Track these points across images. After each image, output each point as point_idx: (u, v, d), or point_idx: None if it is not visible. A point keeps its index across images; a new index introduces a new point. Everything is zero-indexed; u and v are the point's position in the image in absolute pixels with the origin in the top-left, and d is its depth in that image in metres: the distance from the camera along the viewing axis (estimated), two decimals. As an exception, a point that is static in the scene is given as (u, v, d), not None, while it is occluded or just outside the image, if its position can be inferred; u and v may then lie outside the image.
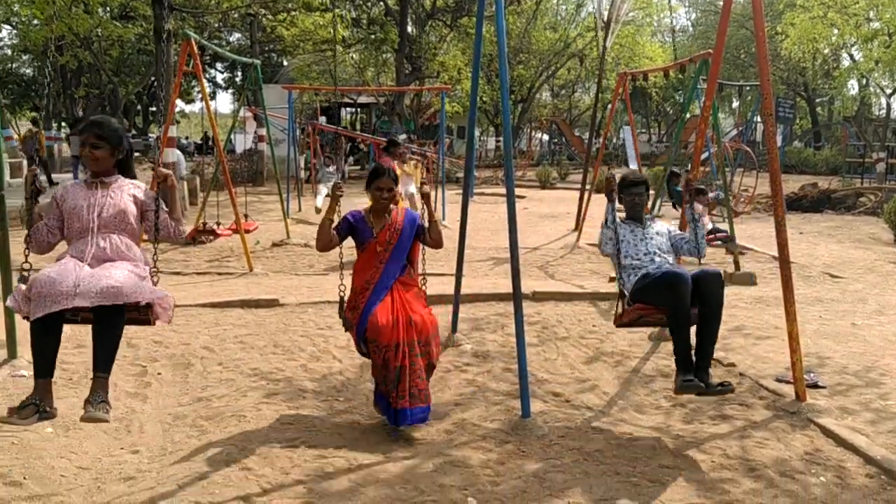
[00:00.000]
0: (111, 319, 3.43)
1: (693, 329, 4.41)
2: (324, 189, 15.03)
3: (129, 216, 3.73)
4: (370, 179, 4.64)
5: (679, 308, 4.31)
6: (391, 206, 4.65)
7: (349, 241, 4.69)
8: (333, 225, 4.57)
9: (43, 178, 23.64)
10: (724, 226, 11.00)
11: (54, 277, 3.31)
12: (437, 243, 4.69)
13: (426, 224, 4.67)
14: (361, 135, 26.35)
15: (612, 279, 9.19)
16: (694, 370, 4.32)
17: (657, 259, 4.74)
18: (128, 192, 3.79)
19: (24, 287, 3.39)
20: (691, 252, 4.83)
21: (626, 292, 4.70)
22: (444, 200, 15.86)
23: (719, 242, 10.61)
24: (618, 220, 4.84)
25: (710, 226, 10.96)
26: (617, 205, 4.85)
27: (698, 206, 9.93)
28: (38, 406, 3.37)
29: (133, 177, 3.91)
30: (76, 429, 4.42)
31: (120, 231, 3.69)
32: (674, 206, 12.38)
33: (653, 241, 4.85)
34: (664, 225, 5.10)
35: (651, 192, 9.28)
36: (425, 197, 4.70)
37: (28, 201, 3.64)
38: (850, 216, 16.54)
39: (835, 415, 4.76)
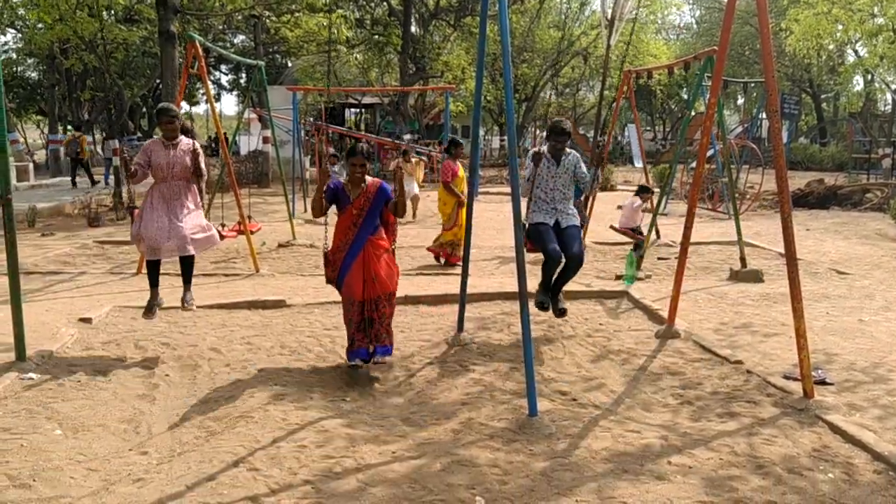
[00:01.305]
0: (188, 260, 6.21)
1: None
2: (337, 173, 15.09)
3: (187, 167, 6.04)
4: (347, 156, 5.73)
5: (548, 271, 6.22)
6: (365, 177, 5.62)
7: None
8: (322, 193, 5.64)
9: (47, 181, 23.78)
10: (729, 223, 10.97)
11: (156, 237, 5.83)
12: (400, 212, 5.71)
13: (394, 197, 5.66)
14: (366, 135, 26.38)
15: (617, 277, 9.18)
16: (549, 296, 6.32)
17: (557, 195, 6.29)
18: (185, 150, 6.07)
19: (135, 229, 5.96)
20: (583, 189, 7.01)
21: (526, 223, 6.22)
22: (449, 200, 15.87)
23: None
24: (543, 151, 6.32)
25: (638, 222, 10.58)
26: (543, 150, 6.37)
27: (637, 200, 10.56)
28: (157, 304, 6.22)
29: (185, 132, 6.27)
30: (84, 430, 4.45)
31: (184, 178, 6.07)
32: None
33: (560, 179, 6.30)
34: (574, 160, 6.36)
35: (656, 190, 9.36)
36: (396, 172, 5.78)
37: (127, 179, 6.28)
38: (857, 212, 16.49)
39: (843, 411, 4.75)
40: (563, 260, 6.10)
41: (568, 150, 6.36)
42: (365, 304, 5.49)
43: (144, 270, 6.60)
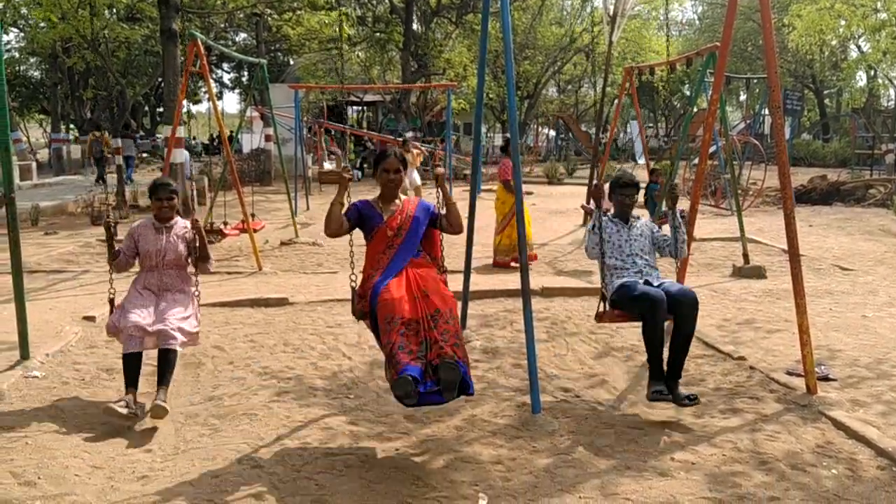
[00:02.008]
0: (168, 355, 4.78)
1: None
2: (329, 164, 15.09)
3: (182, 255, 5.08)
4: (376, 162, 4.46)
5: (652, 330, 4.63)
6: (400, 194, 4.48)
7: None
8: (343, 210, 4.37)
9: (51, 180, 23.82)
10: (732, 219, 10.96)
11: (139, 325, 4.70)
12: (457, 227, 4.40)
13: (442, 210, 4.42)
14: (368, 133, 26.38)
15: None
16: (665, 380, 4.66)
17: (639, 261, 4.99)
18: (180, 235, 5.09)
19: (114, 318, 4.82)
20: (671, 254, 5.13)
21: (606, 294, 4.92)
22: (452, 197, 15.89)
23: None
24: (605, 217, 5.03)
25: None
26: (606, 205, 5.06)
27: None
28: (129, 405, 4.52)
29: (180, 213, 5.24)
30: (90, 429, 4.46)
31: (176, 266, 5.08)
32: (645, 203, 12.16)
33: (636, 243, 5.05)
34: (648, 224, 5.24)
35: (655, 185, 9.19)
36: (438, 178, 4.48)
37: (109, 241, 4.96)
38: (860, 208, 16.46)
39: (846, 407, 4.75)
40: (665, 308, 4.60)
41: (636, 216, 5.22)
42: (411, 323, 3.90)
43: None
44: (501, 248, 9.87)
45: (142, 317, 4.76)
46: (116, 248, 4.99)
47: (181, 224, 5.16)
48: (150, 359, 4.97)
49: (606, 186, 5.23)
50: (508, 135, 14.47)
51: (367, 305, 4.16)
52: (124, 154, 24.99)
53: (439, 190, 4.47)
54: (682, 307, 4.64)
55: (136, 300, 4.90)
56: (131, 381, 4.68)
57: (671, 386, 4.64)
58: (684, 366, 4.76)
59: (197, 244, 5.09)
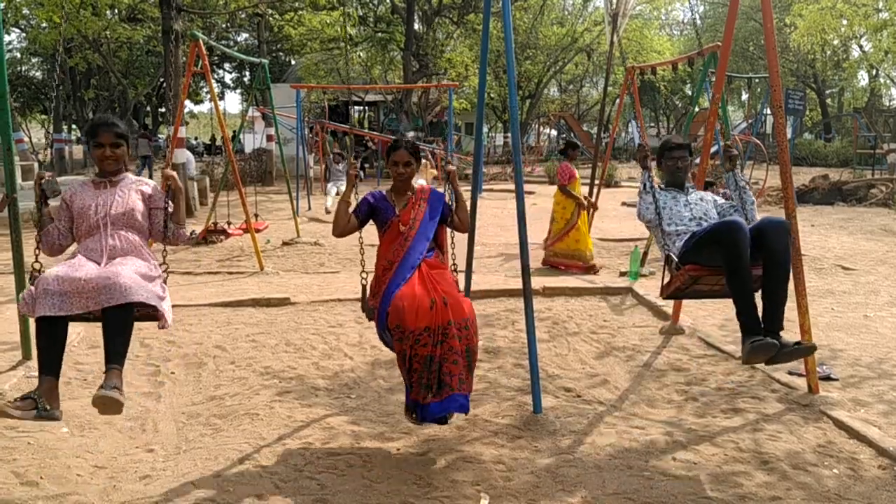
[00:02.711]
0: (119, 318, 3.39)
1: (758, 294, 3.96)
2: (333, 189, 15.08)
3: (138, 213, 3.75)
4: (387, 154, 4.32)
5: (737, 262, 3.78)
6: (413, 183, 4.37)
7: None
8: (351, 208, 4.28)
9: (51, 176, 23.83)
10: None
11: (62, 276, 3.31)
12: (465, 225, 4.41)
13: (453, 205, 4.38)
14: (370, 133, 26.38)
15: (622, 274, 9.18)
16: (763, 332, 3.84)
17: (704, 224, 4.31)
18: (135, 189, 3.82)
19: (33, 289, 3.38)
20: (749, 217, 4.46)
21: (673, 256, 4.26)
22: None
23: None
24: (657, 187, 4.53)
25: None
26: (654, 172, 4.54)
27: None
28: (36, 402, 3.31)
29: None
30: (91, 428, 4.47)
31: (129, 228, 3.71)
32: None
33: (698, 207, 4.49)
34: (706, 193, 4.69)
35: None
36: (451, 175, 4.44)
37: (38, 204, 3.68)
38: (862, 208, 16.45)
39: (847, 407, 4.75)
40: (747, 233, 3.84)
41: (688, 185, 4.70)
42: (422, 334, 3.78)
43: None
44: (564, 251, 9.66)
45: (72, 269, 3.39)
46: (48, 212, 3.74)
47: (133, 179, 3.88)
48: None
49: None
50: (569, 138, 14.32)
51: (378, 303, 4.04)
52: (141, 154, 25.25)
53: (449, 187, 4.44)
54: (768, 237, 3.84)
55: (69, 262, 3.53)
56: (49, 364, 3.38)
57: (773, 329, 3.85)
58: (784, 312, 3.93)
59: (167, 203, 3.82)
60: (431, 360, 3.78)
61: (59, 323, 3.38)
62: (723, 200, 4.64)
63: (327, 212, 15.42)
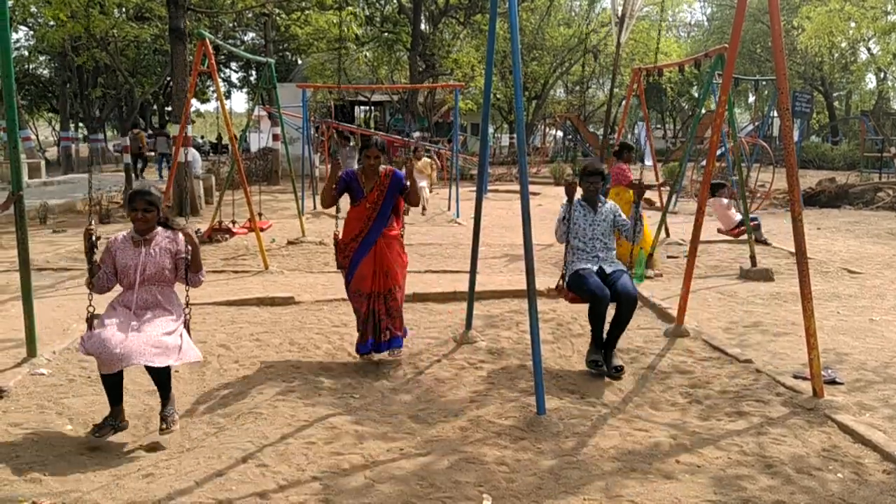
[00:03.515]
0: (159, 371, 4.40)
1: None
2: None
3: (166, 270, 4.54)
4: (361, 149, 5.67)
5: (595, 317, 5.56)
6: (379, 168, 5.61)
7: None
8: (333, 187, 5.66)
9: (59, 178, 23.94)
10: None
11: (111, 347, 4.13)
12: (414, 202, 5.77)
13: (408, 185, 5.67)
14: (376, 132, 26.41)
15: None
16: (602, 352, 5.60)
17: (598, 245, 5.75)
18: (164, 247, 4.56)
19: (88, 334, 4.26)
20: (628, 238, 5.87)
21: (565, 274, 5.72)
22: (458, 197, 15.87)
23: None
24: (575, 201, 5.74)
25: (738, 217, 10.97)
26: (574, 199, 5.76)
27: (723, 200, 10.84)
28: (113, 426, 4.34)
29: (167, 224, 4.67)
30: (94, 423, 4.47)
31: (158, 283, 4.52)
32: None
33: (598, 227, 5.78)
34: (612, 209, 5.89)
35: (666, 187, 9.19)
36: (407, 164, 5.72)
37: (88, 255, 4.43)
38: (868, 211, 16.39)
39: (852, 411, 4.72)
40: (609, 301, 5.50)
41: (603, 199, 5.92)
42: (372, 296, 5.54)
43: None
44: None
45: (113, 337, 4.17)
46: (98, 263, 4.50)
47: (163, 235, 4.58)
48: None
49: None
50: (629, 139, 14.07)
51: (347, 264, 5.61)
52: (160, 152, 25.47)
53: (408, 177, 5.66)
54: (623, 305, 5.49)
55: (109, 318, 4.35)
56: (115, 398, 4.36)
57: (606, 355, 5.57)
58: (618, 343, 5.71)
59: (187, 255, 4.58)
60: (378, 314, 5.58)
61: (115, 375, 4.32)
62: (621, 218, 5.88)
63: (338, 210, 15.43)
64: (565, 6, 38.78)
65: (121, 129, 30.91)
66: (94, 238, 4.36)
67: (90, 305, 4.45)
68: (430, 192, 16.34)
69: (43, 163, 25.17)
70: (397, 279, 5.62)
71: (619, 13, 13.80)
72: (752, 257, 9.39)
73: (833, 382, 5.24)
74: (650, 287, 8.36)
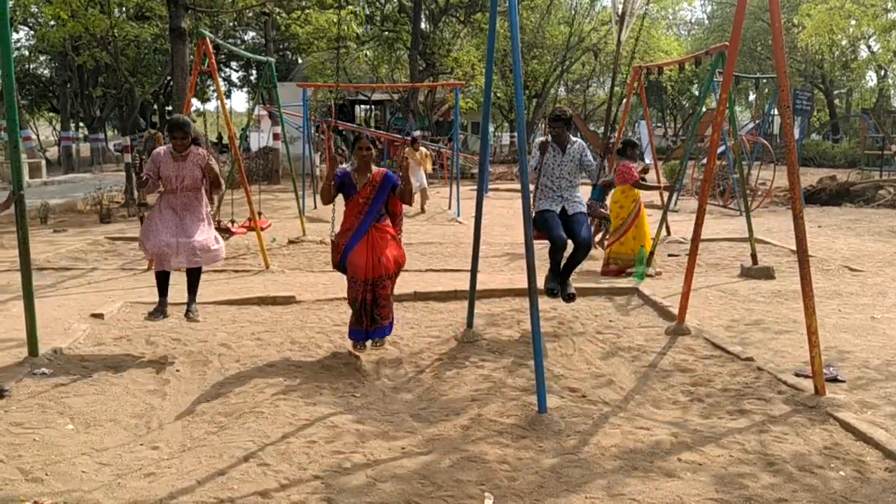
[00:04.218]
0: (195, 273, 6.05)
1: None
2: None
3: (198, 180, 5.90)
4: (353, 143, 5.88)
5: (554, 256, 6.33)
6: (371, 167, 5.78)
7: None
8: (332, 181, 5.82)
9: (60, 177, 23.94)
10: (741, 219, 10.92)
11: (165, 249, 5.68)
12: (407, 200, 5.87)
13: (400, 184, 5.78)
14: (376, 131, 26.41)
15: (627, 274, 9.15)
16: (558, 280, 6.41)
17: (563, 184, 6.41)
18: (195, 162, 5.85)
19: (148, 243, 5.77)
20: (591, 178, 6.74)
21: (532, 211, 5.99)
22: (459, 196, 15.86)
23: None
24: (547, 141, 6.39)
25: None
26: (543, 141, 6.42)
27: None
28: (164, 312, 5.99)
29: (197, 143, 5.94)
30: (96, 425, 4.48)
31: (194, 189, 5.90)
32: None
33: (566, 167, 6.40)
34: (579, 149, 6.45)
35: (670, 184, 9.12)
36: (403, 162, 5.85)
37: (142, 153, 6.08)
38: (869, 209, 16.38)
39: (854, 409, 4.72)
40: (570, 245, 6.29)
41: (573, 138, 6.50)
42: (367, 282, 5.57)
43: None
44: (618, 256, 9.32)
45: (167, 243, 5.66)
46: (144, 177, 5.79)
47: (195, 152, 5.86)
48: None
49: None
50: (630, 137, 14.01)
51: (339, 258, 5.76)
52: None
53: (401, 171, 5.77)
54: (579, 250, 6.31)
55: (160, 224, 5.73)
56: (163, 291, 5.95)
57: (562, 283, 6.39)
58: (572, 274, 6.52)
59: (210, 174, 5.90)
60: (374, 302, 5.64)
61: (166, 272, 5.91)
62: (588, 158, 6.49)
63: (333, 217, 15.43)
64: (565, 4, 38.71)
65: (121, 129, 30.91)
66: (139, 162, 6.09)
67: (143, 205, 6.64)
68: (428, 184, 16.35)
69: (43, 162, 25.15)
70: (390, 267, 5.65)
71: (619, 11, 13.79)
72: (754, 255, 9.38)
73: (835, 380, 5.24)
74: (651, 285, 8.36)
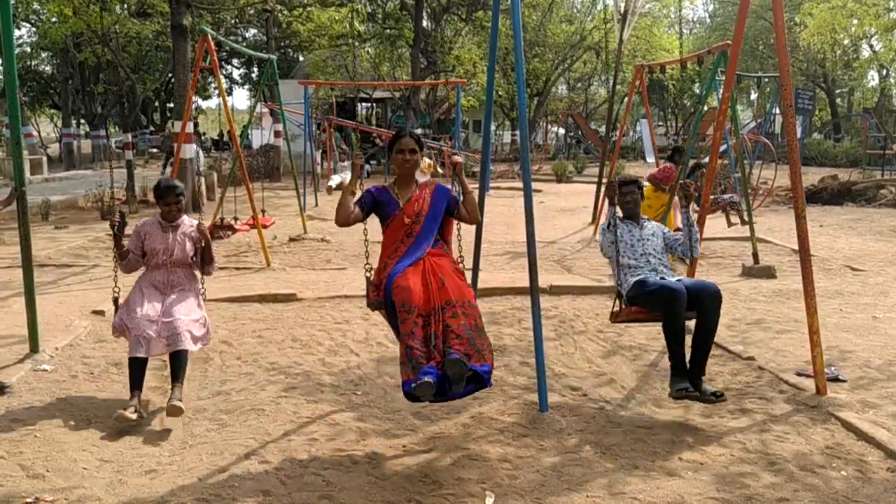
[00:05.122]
0: (180, 356, 4.72)
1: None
2: (337, 178, 15.14)
3: (188, 254, 5.02)
4: (391, 143, 4.35)
5: (673, 324, 4.56)
6: (417, 178, 4.34)
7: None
8: (355, 198, 4.25)
9: (62, 174, 23.93)
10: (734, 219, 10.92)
11: (144, 330, 4.63)
12: (473, 216, 4.34)
13: (459, 197, 4.33)
14: (377, 129, 26.39)
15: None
16: (688, 377, 4.56)
17: (652, 260, 5.01)
18: (187, 234, 5.03)
19: (120, 318, 4.73)
20: (684, 254, 5.16)
21: (622, 292, 4.95)
22: (460, 195, 15.85)
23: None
24: (617, 218, 5.07)
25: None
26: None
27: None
28: (137, 410, 4.45)
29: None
30: (98, 422, 4.47)
31: (183, 265, 5.01)
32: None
33: (649, 242, 5.08)
34: (658, 226, 5.30)
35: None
36: (456, 167, 4.34)
37: (117, 235, 4.78)
38: (871, 208, 16.36)
39: (856, 409, 4.71)
40: (685, 302, 4.52)
41: (643, 220, 5.24)
42: (433, 313, 3.83)
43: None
44: None
45: (150, 318, 4.68)
46: (125, 248, 4.93)
47: (187, 223, 5.09)
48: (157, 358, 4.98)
49: None
50: (676, 143, 13.94)
51: (382, 295, 4.04)
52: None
53: (455, 179, 4.37)
54: (704, 300, 4.54)
55: (141, 299, 4.79)
56: (137, 383, 4.59)
57: (695, 383, 4.53)
58: (706, 363, 4.65)
59: (202, 245, 5.06)
60: (434, 337, 3.78)
61: (143, 359, 4.65)
62: (670, 233, 5.23)
63: (329, 191, 15.34)
64: (567, 3, 38.71)
65: (122, 126, 30.87)
66: (118, 225, 4.77)
67: (116, 287, 4.86)
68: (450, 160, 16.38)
69: (45, 159, 25.17)
70: (462, 291, 3.92)
71: (622, 10, 13.79)
72: (755, 254, 9.37)
73: (836, 380, 5.23)
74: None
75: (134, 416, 4.37)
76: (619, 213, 5.10)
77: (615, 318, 4.99)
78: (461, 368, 3.67)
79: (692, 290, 4.58)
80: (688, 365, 4.59)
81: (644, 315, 4.81)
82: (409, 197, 4.24)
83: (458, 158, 4.42)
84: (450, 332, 3.77)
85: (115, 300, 4.87)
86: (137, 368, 4.62)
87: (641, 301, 4.77)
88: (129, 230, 5.05)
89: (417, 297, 3.80)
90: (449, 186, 4.47)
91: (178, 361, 4.70)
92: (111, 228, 4.80)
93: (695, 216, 5.12)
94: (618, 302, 4.98)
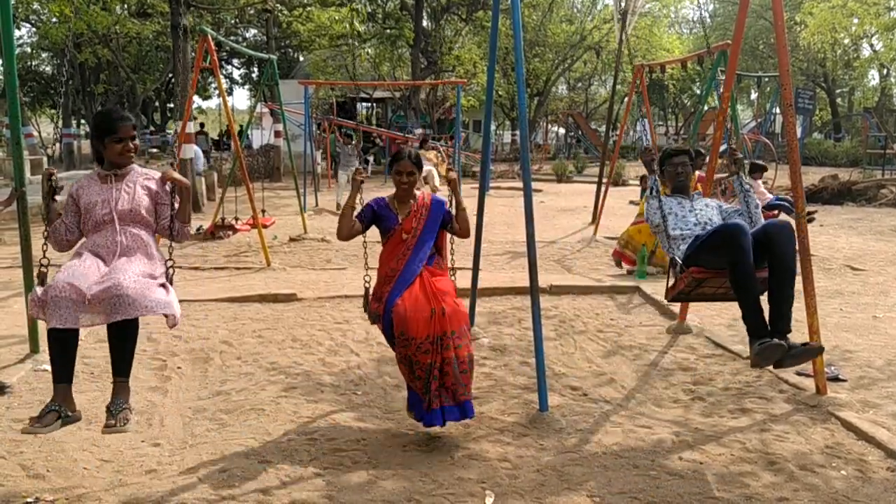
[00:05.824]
0: (124, 329, 3.42)
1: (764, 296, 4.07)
2: (343, 177, 15.15)
3: (143, 209, 3.67)
4: (391, 164, 4.53)
5: (740, 263, 3.84)
6: (415, 191, 4.49)
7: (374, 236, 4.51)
8: (355, 213, 4.45)
9: (62, 174, 23.91)
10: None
11: (70, 285, 3.25)
12: (464, 231, 4.53)
13: (453, 211, 4.52)
14: (377, 129, 26.40)
15: (629, 272, 9.14)
16: (770, 334, 3.89)
17: (708, 229, 4.41)
18: (141, 184, 3.73)
19: (40, 291, 3.32)
20: (755, 220, 4.54)
21: (678, 259, 4.40)
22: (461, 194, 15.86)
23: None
24: (662, 196, 4.67)
25: (769, 197, 10.33)
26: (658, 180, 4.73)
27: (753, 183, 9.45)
28: (59, 412, 3.38)
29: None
30: (98, 422, 4.47)
31: (136, 224, 3.65)
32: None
33: (702, 213, 4.61)
34: (712, 199, 4.88)
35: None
36: (451, 183, 4.58)
37: (46, 199, 3.72)
38: (871, 208, 16.36)
39: (856, 408, 4.72)
40: (749, 235, 3.95)
41: (695, 194, 4.88)
42: (434, 342, 4.02)
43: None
44: (633, 242, 9.23)
45: (81, 278, 3.30)
46: (56, 211, 3.73)
47: (139, 172, 3.76)
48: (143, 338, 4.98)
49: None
50: (698, 148, 13.95)
51: (382, 310, 4.22)
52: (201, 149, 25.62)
53: (451, 194, 4.58)
54: (773, 237, 3.91)
55: (76, 263, 3.47)
56: (63, 372, 3.39)
57: (781, 331, 3.93)
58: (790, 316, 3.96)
59: (172, 198, 3.76)
60: (432, 367, 4.02)
61: (70, 333, 3.37)
62: (727, 205, 4.79)
63: (338, 207, 15.37)
64: (567, 3, 38.68)
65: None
66: (53, 181, 3.69)
67: (44, 258, 3.59)
68: (439, 182, 16.40)
69: (45, 159, 25.16)
70: (459, 318, 4.09)
71: (622, 10, 13.79)
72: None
73: (836, 379, 5.23)
74: (653, 284, 8.34)
75: (46, 430, 3.28)
76: (660, 185, 4.73)
77: (671, 292, 4.55)
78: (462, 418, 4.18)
79: (756, 235, 3.97)
80: (768, 325, 3.93)
81: (706, 275, 4.19)
82: (408, 212, 4.43)
83: (454, 175, 4.63)
84: (451, 368, 4.03)
85: (42, 275, 3.54)
86: (61, 349, 3.36)
87: (701, 254, 4.19)
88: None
89: (415, 330, 4.02)
90: (444, 199, 4.61)
91: (123, 338, 3.41)
92: (43, 181, 3.77)
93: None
94: (672, 272, 4.50)
